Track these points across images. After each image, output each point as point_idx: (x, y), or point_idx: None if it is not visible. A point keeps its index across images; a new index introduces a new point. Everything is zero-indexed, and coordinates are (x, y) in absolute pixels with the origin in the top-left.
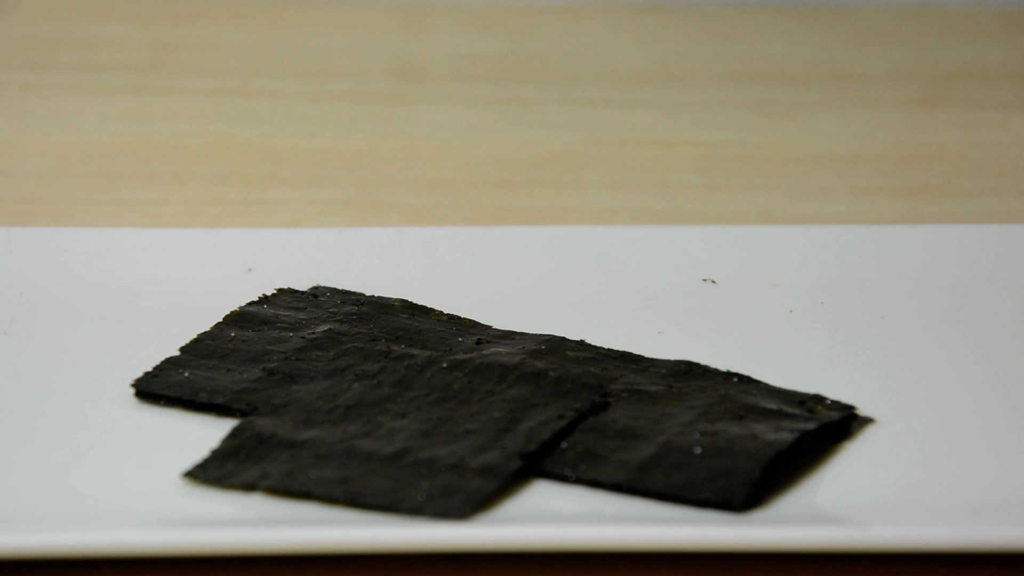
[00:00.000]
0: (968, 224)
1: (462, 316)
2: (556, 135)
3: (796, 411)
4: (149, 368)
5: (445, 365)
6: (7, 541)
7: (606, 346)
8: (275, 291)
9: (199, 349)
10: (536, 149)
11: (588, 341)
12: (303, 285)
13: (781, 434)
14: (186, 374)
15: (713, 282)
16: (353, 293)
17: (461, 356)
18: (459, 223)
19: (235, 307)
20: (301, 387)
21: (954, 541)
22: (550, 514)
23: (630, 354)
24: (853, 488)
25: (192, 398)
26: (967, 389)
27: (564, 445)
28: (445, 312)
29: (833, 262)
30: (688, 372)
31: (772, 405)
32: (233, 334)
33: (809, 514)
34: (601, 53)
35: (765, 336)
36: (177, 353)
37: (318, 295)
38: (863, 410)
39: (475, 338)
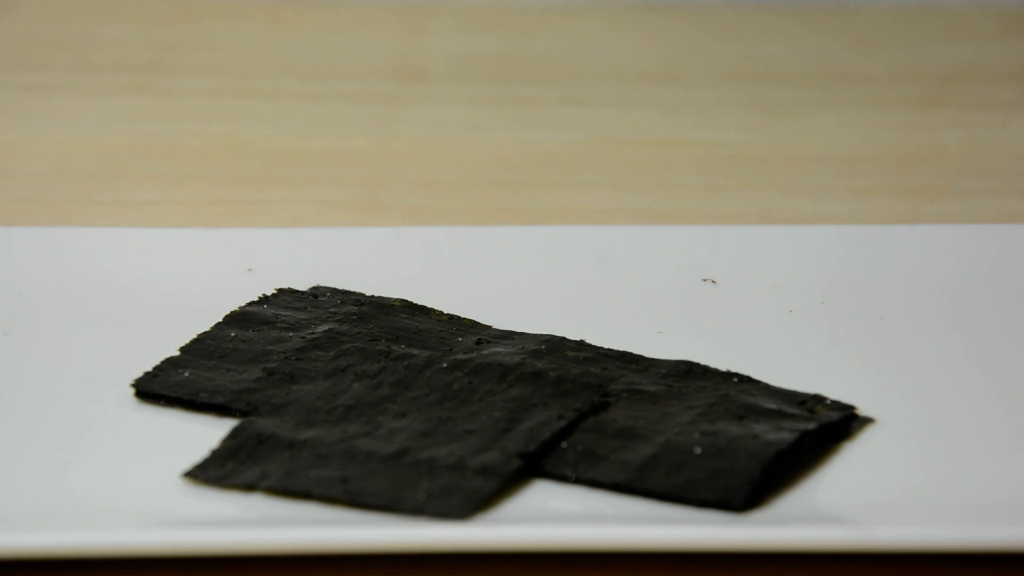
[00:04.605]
0: (968, 224)
1: (462, 316)
2: (556, 135)
3: (796, 411)
4: (149, 368)
5: (445, 365)
6: (7, 541)
7: (606, 346)
8: (275, 291)
9: (199, 349)
10: (536, 149)
11: (588, 341)
12: (303, 285)
13: (781, 434)
14: (186, 374)
15: (713, 282)
16: (353, 293)
17: (461, 356)
18: (459, 223)
19: (235, 307)
20: (301, 387)
21: (954, 541)
22: (550, 514)
23: (630, 354)
24: (853, 488)
25: (192, 398)
26: (967, 389)
27: (564, 445)
28: (445, 312)
29: (833, 262)
30: (688, 372)
31: (772, 405)
32: (233, 334)
33: (809, 514)
34: (601, 53)
35: (765, 336)
36: (177, 353)
37: (318, 295)
38: (863, 410)
39: (475, 338)
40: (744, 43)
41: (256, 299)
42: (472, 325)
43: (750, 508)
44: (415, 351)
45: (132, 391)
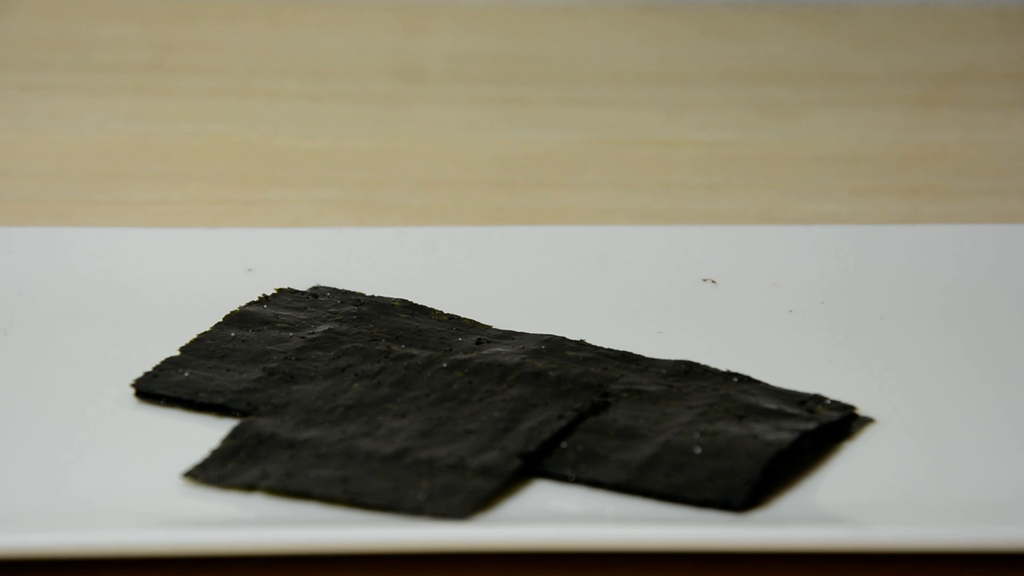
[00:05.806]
0: (968, 224)
1: (462, 316)
2: (556, 135)
3: (796, 411)
4: (149, 368)
5: (445, 365)
6: (7, 541)
7: (606, 346)
8: (275, 291)
9: (199, 349)
10: (536, 149)
11: (588, 341)
12: (303, 285)
13: (781, 434)
14: (186, 374)
15: (713, 282)
16: (353, 293)
17: (461, 356)
18: (459, 223)
19: (235, 307)
20: (301, 387)
21: (954, 541)
22: (550, 514)
23: (630, 354)
24: (853, 488)
25: (192, 398)
26: (967, 389)
27: (564, 445)
28: (445, 312)
29: (833, 262)
30: (688, 372)
31: (772, 405)
32: (233, 334)
33: (809, 514)
34: (601, 53)
35: (765, 336)
36: (177, 353)
37: (318, 295)
38: (863, 410)
39: (475, 338)
40: (744, 43)
41: (256, 299)
42: (472, 325)
43: (750, 508)
44: (415, 351)
45: (132, 391)
